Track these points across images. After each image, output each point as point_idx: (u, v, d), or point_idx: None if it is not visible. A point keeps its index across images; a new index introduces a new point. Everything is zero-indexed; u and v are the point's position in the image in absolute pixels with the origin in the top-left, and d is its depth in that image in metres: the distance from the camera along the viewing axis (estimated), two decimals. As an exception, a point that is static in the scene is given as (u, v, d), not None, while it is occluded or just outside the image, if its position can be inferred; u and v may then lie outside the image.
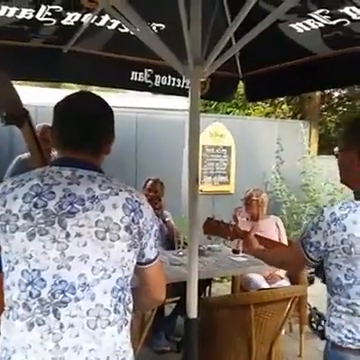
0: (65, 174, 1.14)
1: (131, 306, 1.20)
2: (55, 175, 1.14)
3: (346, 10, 1.97)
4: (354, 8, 1.95)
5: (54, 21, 2.25)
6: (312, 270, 4.28)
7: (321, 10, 2.04)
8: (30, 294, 1.08)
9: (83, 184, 1.13)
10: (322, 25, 2.16)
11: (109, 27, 2.42)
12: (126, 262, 1.15)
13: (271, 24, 1.79)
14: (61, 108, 1.22)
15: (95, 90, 4.58)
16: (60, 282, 1.08)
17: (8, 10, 2.11)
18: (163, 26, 2.42)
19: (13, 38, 2.34)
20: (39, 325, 1.08)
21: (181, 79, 2.84)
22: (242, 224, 2.15)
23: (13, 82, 1.66)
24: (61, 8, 2.16)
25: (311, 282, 4.20)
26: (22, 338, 1.09)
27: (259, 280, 3.48)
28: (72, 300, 1.08)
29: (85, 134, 1.19)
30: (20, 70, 2.37)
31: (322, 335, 1.54)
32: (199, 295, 2.05)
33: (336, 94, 9.89)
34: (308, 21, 2.16)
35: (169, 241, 3.69)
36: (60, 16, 2.23)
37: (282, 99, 8.18)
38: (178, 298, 3.35)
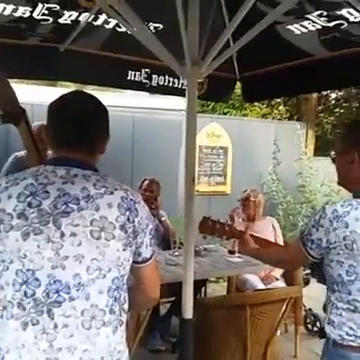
0: (60, 173, 1.14)
1: (126, 306, 1.19)
2: (50, 174, 1.14)
3: (343, 12, 1.99)
4: (351, 10, 1.96)
5: (51, 19, 2.24)
6: (308, 271, 4.30)
7: (318, 12, 2.05)
8: (25, 294, 1.07)
9: (78, 183, 1.12)
10: (319, 27, 2.17)
11: (106, 26, 2.42)
12: (122, 261, 1.14)
13: (269, 25, 1.79)
14: (55, 107, 1.21)
15: (92, 89, 4.60)
16: (55, 282, 1.07)
17: (5, 8, 2.10)
18: (161, 26, 2.42)
19: (10, 36, 2.33)
20: (33, 325, 1.07)
21: (178, 79, 2.84)
22: (238, 225, 2.15)
23: (9, 80, 1.65)
24: (58, 7, 2.16)
25: (306, 283, 4.22)
26: (16, 338, 1.08)
27: (255, 281, 3.48)
28: (66, 300, 1.08)
29: (80, 133, 1.19)
30: (17, 68, 2.36)
31: (321, 334, 1.53)
32: (194, 295, 2.05)
33: (333, 96, 9.92)
34: (305, 23, 2.17)
35: (165, 241, 3.69)
36: (57, 15, 2.22)
37: (279, 100, 8.19)
38: (173, 298, 3.35)
